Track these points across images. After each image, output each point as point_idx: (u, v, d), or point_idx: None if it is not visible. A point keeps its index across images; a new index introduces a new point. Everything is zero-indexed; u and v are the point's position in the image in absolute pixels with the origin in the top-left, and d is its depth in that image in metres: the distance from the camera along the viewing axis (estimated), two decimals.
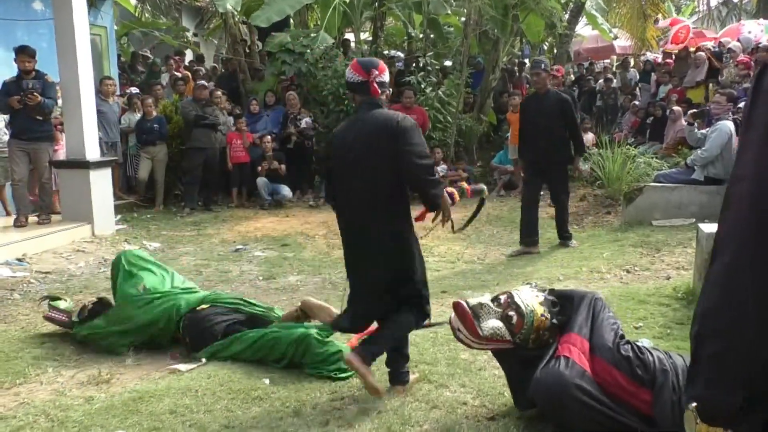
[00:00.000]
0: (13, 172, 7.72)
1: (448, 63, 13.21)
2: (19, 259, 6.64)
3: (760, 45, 12.27)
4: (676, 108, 10.93)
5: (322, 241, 7.88)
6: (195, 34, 17.95)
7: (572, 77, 17.26)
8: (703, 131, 8.05)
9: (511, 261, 6.62)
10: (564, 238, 7.12)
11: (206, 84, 10.59)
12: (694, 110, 9.01)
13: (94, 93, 8.37)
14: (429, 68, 11.67)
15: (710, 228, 4.65)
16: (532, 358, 2.94)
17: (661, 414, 2.69)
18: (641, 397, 2.76)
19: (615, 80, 14.75)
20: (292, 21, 13.55)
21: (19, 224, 7.61)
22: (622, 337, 3.01)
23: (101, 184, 8.10)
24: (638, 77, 14.71)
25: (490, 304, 2.98)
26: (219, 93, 10.53)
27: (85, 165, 7.92)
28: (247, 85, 12.25)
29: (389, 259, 3.33)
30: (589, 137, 11.61)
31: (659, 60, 14.78)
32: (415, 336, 4.28)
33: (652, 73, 13.83)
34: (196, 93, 10.10)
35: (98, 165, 8.09)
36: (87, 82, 8.04)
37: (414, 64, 12.53)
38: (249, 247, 7.52)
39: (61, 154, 8.41)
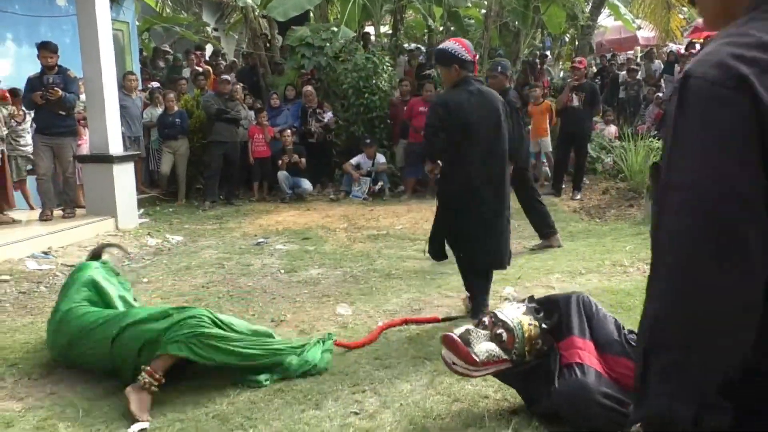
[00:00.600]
0: (38, 166, 7.83)
1: None
2: (45, 253, 6.74)
3: None
4: None
5: (343, 234, 7.89)
6: (215, 29, 18.04)
7: (594, 69, 17.09)
8: None
9: (534, 254, 6.58)
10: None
11: (229, 78, 10.65)
12: None
13: (116, 88, 8.45)
14: None
15: None
16: (534, 367, 2.94)
17: None
18: None
19: (639, 71, 14.56)
20: (312, 15, 13.57)
21: (44, 218, 7.72)
22: (623, 327, 3.02)
23: (124, 178, 8.19)
24: (662, 68, 14.53)
25: (477, 329, 2.94)
26: (239, 87, 10.58)
27: (108, 159, 8.00)
28: (268, 79, 12.29)
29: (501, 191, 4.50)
30: (611, 129, 11.50)
31: (683, 51, 14.59)
32: (436, 329, 4.28)
33: (676, 65, 13.64)
34: (219, 87, 10.15)
35: (121, 159, 8.18)
36: (110, 78, 8.12)
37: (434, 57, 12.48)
38: (270, 241, 7.56)
39: (85, 149, 8.51)
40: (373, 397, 3.31)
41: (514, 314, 2.96)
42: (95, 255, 4.58)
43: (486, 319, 2.99)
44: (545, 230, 6.89)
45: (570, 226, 8.00)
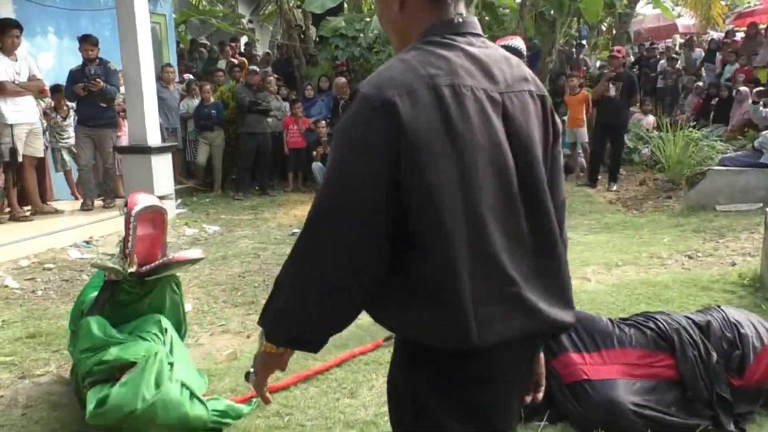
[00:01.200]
0: (79, 157, 8.01)
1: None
2: (87, 242, 6.89)
3: None
4: (743, 88, 10.53)
5: None
6: (250, 21, 18.15)
7: (632, 58, 16.79)
8: None
9: (570, 246, 6.50)
10: None
11: (257, 69, 10.70)
12: (761, 88, 8.66)
13: (154, 80, 8.57)
14: None
15: None
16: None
17: (688, 372, 2.79)
18: (664, 363, 2.83)
19: (679, 60, 14.26)
20: (345, 6, 13.57)
21: (85, 208, 7.91)
22: (613, 320, 3.06)
23: (162, 168, 8.31)
24: (703, 56, 14.20)
25: None
26: (272, 79, 10.64)
27: (147, 150, 8.13)
28: (302, 71, 12.33)
29: None
30: (649, 120, 11.29)
31: (724, 38, 14.23)
32: None
33: (718, 53, 13.32)
34: (248, 78, 10.21)
35: (159, 150, 8.30)
36: (148, 70, 8.23)
37: None
38: None
39: (124, 141, 8.66)
40: None
41: None
42: None
43: None
44: None
45: (606, 217, 7.90)
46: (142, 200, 3.22)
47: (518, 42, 5.07)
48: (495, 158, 1.33)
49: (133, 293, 3.12)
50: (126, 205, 3.22)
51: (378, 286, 1.35)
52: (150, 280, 3.13)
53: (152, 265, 3.07)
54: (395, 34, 1.48)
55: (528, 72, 1.47)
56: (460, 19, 1.38)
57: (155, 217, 3.24)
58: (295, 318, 1.39)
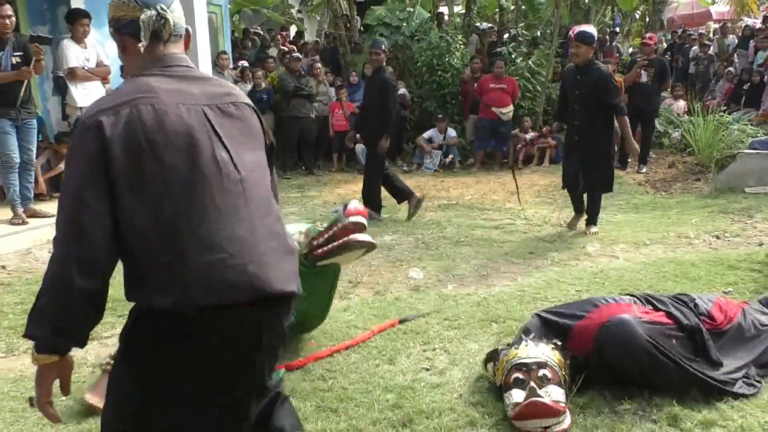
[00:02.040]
0: None
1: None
2: None
3: None
4: None
5: None
6: (299, 11, 18.14)
7: (664, 45, 16.25)
8: None
9: (599, 225, 6.37)
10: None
11: (300, 56, 10.66)
12: None
13: (211, 67, 8.64)
14: (520, 39, 11.30)
15: None
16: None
17: (688, 325, 2.91)
18: (663, 316, 2.94)
19: (711, 46, 13.75)
20: None
21: None
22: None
23: None
24: (736, 43, 13.67)
25: (526, 385, 2.60)
26: (318, 66, 10.62)
27: None
28: (347, 58, 12.29)
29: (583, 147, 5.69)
30: (680, 105, 10.95)
31: (758, 25, 13.66)
32: (502, 294, 4.24)
33: (751, 40, 12.79)
34: (291, 65, 10.19)
35: None
36: (205, 57, 8.30)
37: (506, 35, 12.16)
38: None
39: None
40: (443, 355, 3.32)
41: (534, 352, 2.71)
42: None
43: (519, 375, 2.64)
44: (405, 194, 6.87)
45: (635, 198, 7.71)
46: (359, 221, 3.22)
47: (591, 29, 5.83)
48: (195, 154, 1.57)
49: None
50: (345, 208, 3.20)
51: (111, 264, 1.59)
52: (320, 266, 3.14)
53: (329, 246, 3.06)
54: (125, 70, 1.79)
55: (232, 88, 1.82)
56: (167, 55, 1.70)
57: (354, 237, 3.17)
58: (51, 308, 1.52)
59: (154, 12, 1.67)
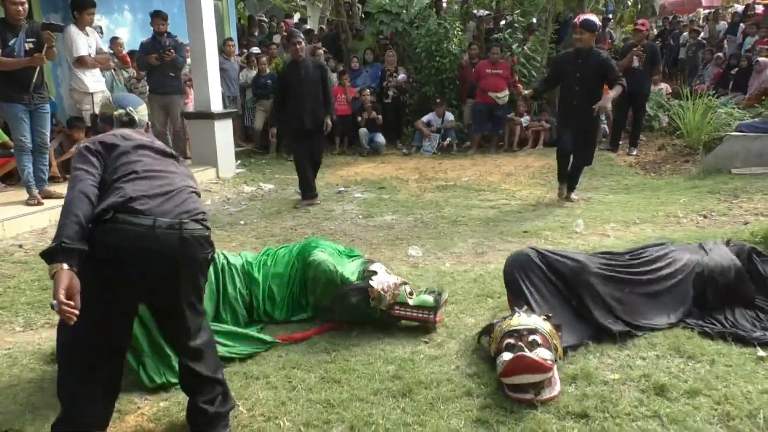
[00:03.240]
0: (154, 122, 8.14)
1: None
2: None
3: None
4: (761, 59, 10.03)
5: (415, 184, 7.85)
6: None
7: (655, 31, 16.10)
8: None
9: (590, 204, 6.37)
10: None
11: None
12: None
13: (217, 53, 8.57)
14: (516, 25, 11.18)
15: None
16: None
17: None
18: None
19: (702, 32, 13.62)
20: None
21: None
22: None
23: (224, 133, 8.37)
24: (726, 29, 13.54)
25: (521, 344, 2.65)
26: (321, 51, 10.52)
27: (210, 116, 8.18)
28: (349, 44, 12.18)
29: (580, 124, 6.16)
30: (661, 87, 10.91)
31: (744, 11, 13.52)
32: (498, 270, 4.23)
33: (741, 24, 12.65)
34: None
35: (221, 116, 8.35)
36: (211, 43, 8.23)
37: (503, 22, 12.04)
38: (350, 189, 7.61)
39: (191, 107, 8.73)
40: (440, 329, 3.32)
41: (526, 321, 2.75)
42: None
43: (510, 340, 2.68)
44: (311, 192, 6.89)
45: (626, 179, 7.69)
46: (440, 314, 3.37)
47: (595, 18, 6.40)
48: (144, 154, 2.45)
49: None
50: (440, 296, 3.35)
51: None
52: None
53: (409, 314, 3.31)
54: None
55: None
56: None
57: (433, 319, 3.31)
58: (59, 227, 2.07)
59: (124, 110, 2.61)
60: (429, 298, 3.32)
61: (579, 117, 6.16)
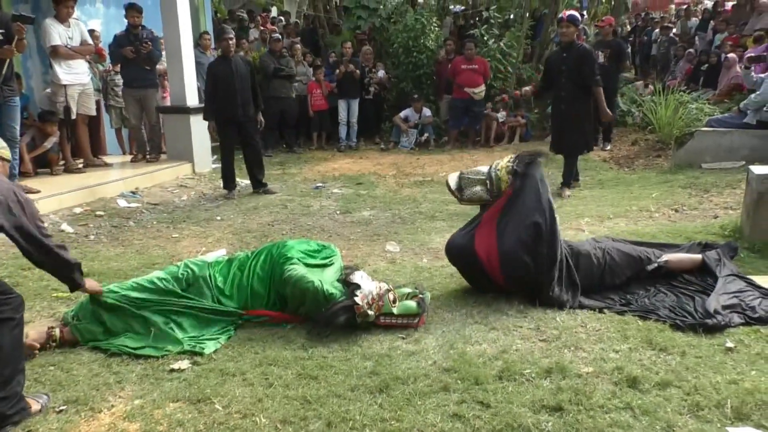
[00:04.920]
0: (129, 116, 8.04)
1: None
2: (133, 192, 6.92)
3: None
4: (731, 55, 10.20)
5: (392, 180, 7.85)
6: None
7: (628, 28, 16.28)
8: (761, 75, 7.47)
9: (565, 201, 6.43)
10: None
11: (280, 37, 10.47)
12: (752, 54, 8.35)
13: (192, 46, 8.45)
14: (491, 21, 11.22)
15: (761, 169, 4.36)
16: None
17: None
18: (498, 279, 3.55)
19: (674, 29, 13.80)
20: None
21: (134, 160, 8.08)
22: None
23: (200, 127, 8.25)
24: (697, 25, 13.74)
25: (472, 175, 3.64)
26: (298, 46, 10.44)
27: (186, 110, 8.08)
28: (326, 39, 12.11)
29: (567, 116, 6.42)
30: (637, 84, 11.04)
31: (714, 8, 13.73)
32: None
33: (712, 21, 12.85)
34: (271, 45, 9.99)
35: (197, 111, 8.23)
36: (187, 37, 8.12)
37: (477, 18, 12.06)
38: (328, 185, 7.58)
39: (169, 102, 8.61)
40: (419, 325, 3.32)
41: (501, 164, 3.61)
42: None
43: (484, 169, 3.65)
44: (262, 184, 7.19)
45: (600, 174, 7.78)
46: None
47: (577, 14, 6.73)
48: None
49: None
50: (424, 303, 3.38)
51: None
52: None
53: (393, 322, 3.31)
54: None
55: None
56: None
57: (416, 324, 3.31)
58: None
59: None
60: (413, 304, 3.32)
61: (569, 107, 6.44)
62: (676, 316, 3.23)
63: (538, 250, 3.38)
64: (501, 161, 3.64)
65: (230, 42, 6.80)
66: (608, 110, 6.71)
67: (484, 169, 3.65)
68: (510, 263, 3.42)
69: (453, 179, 3.69)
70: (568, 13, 6.51)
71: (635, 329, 3.11)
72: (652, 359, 2.82)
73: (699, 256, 3.83)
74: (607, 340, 3.03)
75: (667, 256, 3.79)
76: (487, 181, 3.58)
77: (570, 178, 6.79)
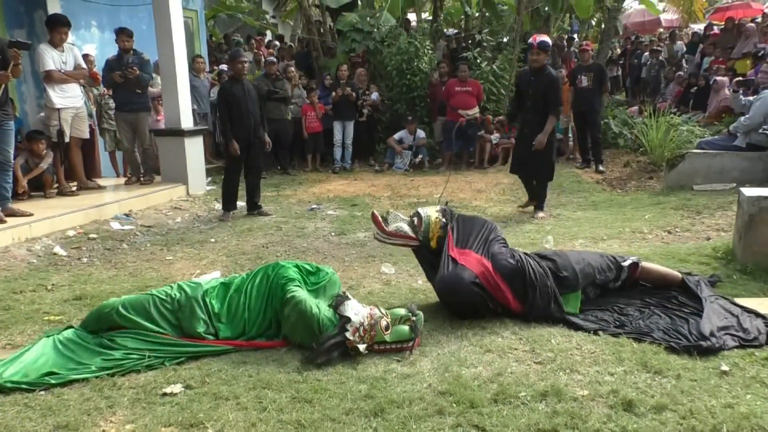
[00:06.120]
0: (122, 139, 8.07)
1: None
2: (127, 215, 6.90)
3: None
4: (719, 78, 10.35)
5: (387, 201, 7.87)
6: (273, 16, 17.97)
7: (618, 51, 16.50)
8: (749, 98, 7.58)
9: (559, 221, 6.46)
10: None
11: (275, 60, 10.56)
12: (740, 78, 8.49)
13: (187, 70, 8.51)
14: (484, 44, 11.36)
15: (752, 192, 4.40)
16: (437, 253, 3.67)
17: (533, 315, 3.53)
18: (515, 305, 3.55)
19: (662, 52, 14.01)
20: (359, 2, 13.38)
21: (128, 183, 8.08)
22: (518, 255, 3.69)
23: (194, 150, 8.30)
24: (684, 49, 13.95)
25: (399, 214, 3.79)
26: (293, 69, 10.53)
27: (180, 133, 8.11)
28: (320, 62, 12.22)
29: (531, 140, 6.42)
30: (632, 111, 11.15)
31: (704, 32, 13.95)
32: None
33: (701, 44, 13.06)
34: (266, 68, 10.07)
35: (192, 133, 8.28)
36: (181, 60, 8.18)
37: (470, 41, 12.21)
38: (322, 207, 7.59)
39: (163, 125, 8.64)
40: (414, 348, 3.31)
41: (430, 211, 3.74)
42: None
43: (412, 212, 3.81)
44: (257, 206, 7.27)
45: (593, 195, 7.82)
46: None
47: (548, 39, 6.67)
48: None
49: None
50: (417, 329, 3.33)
51: None
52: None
53: (388, 347, 3.27)
54: None
55: None
56: None
57: (410, 347, 3.28)
58: None
59: None
60: (405, 329, 3.29)
61: (533, 131, 6.49)
62: (671, 338, 3.23)
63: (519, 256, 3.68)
64: (429, 211, 3.76)
65: (245, 65, 6.93)
66: (545, 138, 6.46)
67: (405, 219, 3.79)
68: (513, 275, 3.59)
69: (379, 211, 3.79)
70: (538, 39, 6.50)
71: (630, 351, 3.11)
72: (647, 382, 2.81)
73: (678, 274, 3.91)
74: (603, 362, 3.02)
75: (638, 259, 3.94)
76: (415, 219, 3.68)
77: (542, 202, 6.78)
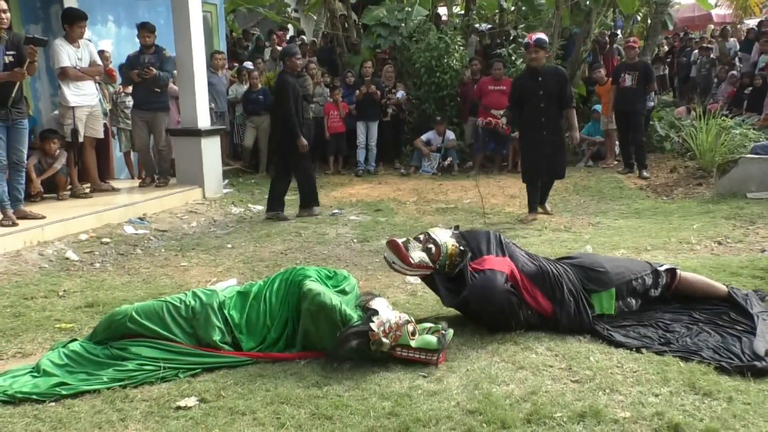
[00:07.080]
0: (137, 139, 8.20)
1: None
2: (141, 218, 7.02)
3: None
4: None
5: (413, 207, 7.87)
6: (296, 10, 18.13)
7: (666, 48, 16.30)
8: None
9: (598, 229, 6.39)
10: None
11: (300, 56, 10.64)
12: None
13: (205, 66, 8.63)
14: (520, 40, 11.32)
15: None
16: (453, 278, 3.66)
17: (564, 317, 3.54)
18: (546, 306, 3.57)
19: (713, 50, 13.78)
20: None
21: (142, 185, 8.19)
22: (533, 256, 3.82)
23: (211, 150, 8.40)
24: (738, 47, 13.69)
25: (413, 240, 3.65)
26: (314, 65, 10.60)
27: (197, 133, 8.22)
28: (344, 58, 12.29)
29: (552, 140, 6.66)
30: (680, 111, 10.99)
31: (759, 27, 13.69)
32: None
33: (756, 43, 12.81)
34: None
35: (209, 133, 8.38)
36: (199, 57, 8.30)
37: (505, 37, 12.18)
38: (344, 212, 7.62)
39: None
40: (441, 363, 3.30)
41: (444, 237, 3.66)
42: None
43: (421, 237, 3.67)
44: (313, 201, 7.48)
45: (636, 203, 7.73)
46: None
47: (544, 36, 6.85)
48: None
49: None
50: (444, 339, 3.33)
51: None
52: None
53: (410, 356, 3.28)
54: None
55: None
56: None
57: (436, 361, 3.28)
58: None
59: None
60: (433, 339, 3.29)
61: (551, 132, 6.72)
62: (722, 357, 3.17)
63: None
64: (443, 236, 3.66)
65: (299, 61, 7.37)
66: (578, 134, 7.22)
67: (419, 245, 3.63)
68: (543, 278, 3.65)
69: (400, 240, 3.61)
70: (535, 37, 6.64)
71: (676, 371, 3.06)
72: (695, 405, 2.76)
73: (724, 287, 3.85)
74: (646, 382, 2.98)
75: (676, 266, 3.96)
76: (432, 247, 3.60)
77: (547, 196, 7.24)
